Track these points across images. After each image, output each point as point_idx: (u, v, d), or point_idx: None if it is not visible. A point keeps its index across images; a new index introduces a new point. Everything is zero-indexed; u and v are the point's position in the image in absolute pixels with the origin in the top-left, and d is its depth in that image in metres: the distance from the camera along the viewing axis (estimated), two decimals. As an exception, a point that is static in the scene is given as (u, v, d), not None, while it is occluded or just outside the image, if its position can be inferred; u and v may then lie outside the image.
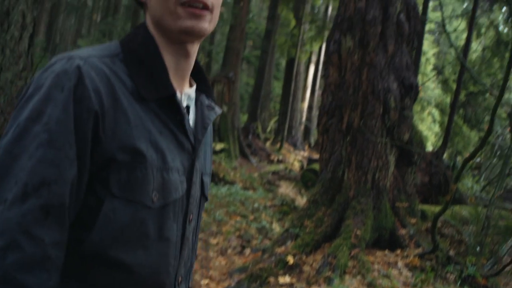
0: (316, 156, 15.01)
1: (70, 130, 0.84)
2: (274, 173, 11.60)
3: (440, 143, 11.86)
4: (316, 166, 9.89)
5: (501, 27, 14.85)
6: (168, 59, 1.01)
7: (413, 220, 5.32)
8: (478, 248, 4.89)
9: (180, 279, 1.06)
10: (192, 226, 1.08)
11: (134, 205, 0.91)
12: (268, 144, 16.57)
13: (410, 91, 5.18)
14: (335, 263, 4.23)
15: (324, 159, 5.42)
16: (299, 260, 4.48)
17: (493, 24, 13.51)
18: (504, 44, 13.25)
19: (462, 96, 16.36)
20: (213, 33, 21.30)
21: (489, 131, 3.58)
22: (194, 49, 1.04)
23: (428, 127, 21.01)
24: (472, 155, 3.98)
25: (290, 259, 4.41)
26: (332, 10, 20.78)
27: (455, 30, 18.11)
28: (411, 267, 4.57)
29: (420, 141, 5.93)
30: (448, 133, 9.20)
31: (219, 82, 11.94)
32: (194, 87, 1.12)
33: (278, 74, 25.29)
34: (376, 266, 4.50)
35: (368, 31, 5.08)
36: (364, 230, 4.73)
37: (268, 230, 6.30)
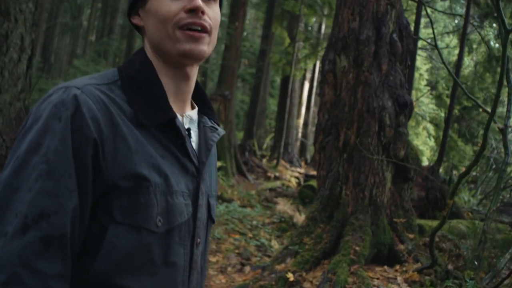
0: (312, 172, 15.06)
1: (69, 160, 0.84)
2: (271, 190, 11.64)
3: (435, 157, 11.94)
4: (313, 182, 9.95)
5: (492, 43, 15.07)
6: (168, 83, 1.01)
7: (411, 236, 5.37)
8: (476, 262, 4.93)
9: None
10: (200, 249, 1.07)
11: (138, 231, 0.90)
12: (264, 161, 16.63)
13: (405, 108, 5.27)
14: (335, 279, 4.27)
15: (321, 176, 5.49)
16: (299, 277, 4.51)
17: (484, 40, 13.70)
18: (495, 59, 13.43)
19: (456, 111, 16.50)
20: (208, 52, 21.40)
21: (483, 147, 3.66)
22: (193, 71, 1.05)
23: (423, 142, 21.13)
24: (467, 171, 4.06)
25: (290, 276, 4.44)
26: (326, 28, 21.03)
27: (447, 46, 18.34)
28: (410, 282, 4.60)
29: (415, 157, 6.01)
30: (443, 147, 9.27)
31: (215, 101, 12.03)
32: (196, 109, 1.12)
33: (273, 92, 25.44)
34: (375, 282, 4.53)
35: (362, 51, 5.19)
36: (363, 246, 4.78)
37: (267, 248, 6.33)
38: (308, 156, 21.65)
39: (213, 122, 1.16)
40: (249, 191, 10.79)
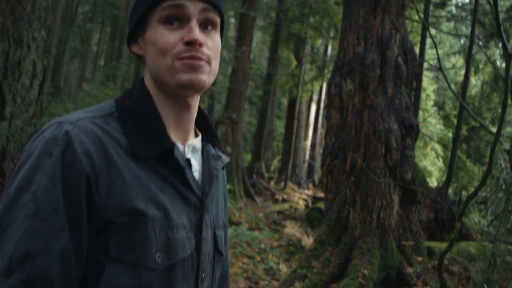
0: (320, 194, 15.02)
1: (58, 198, 0.81)
2: (279, 212, 11.60)
3: (444, 178, 11.87)
4: (321, 205, 9.92)
5: (498, 63, 15.11)
6: (168, 113, 0.99)
7: (420, 258, 5.34)
8: (486, 285, 4.89)
9: None
10: (206, 285, 1.02)
11: (136, 268, 0.86)
12: (272, 183, 16.61)
13: (411, 131, 5.30)
14: (344, 304, 4.25)
15: (329, 199, 5.50)
16: (308, 302, 4.49)
17: (490, 60, 13.75)
18: (502, 79, 13.46)
19: (464, 131, 16.47)
20: (215, 75, 21.61)
21: (489, 169, 3.67)
22: (194, 101, 1.02)
23: (432, 163, 21.04)
24: (474, 193, 4.05)
25: (299, 301, 4.43)
26: (332, 50, 21.20)
27: (453, 66, 18.41)
28: (420, 306, 4.57)
29: (422, 179, 6.01)
30: (451, 168, 9.23)
31: (222, 124, 12.10)
32: (200, 136, 1.09)
33: (280, 113, 25.56)
34: (384, 306, 4.50)
35: (368, 75, 5.26)
36: (371, 270, 4.76)
37: (276, 271, 6.30)
38: (316, 178, 21.61)
39: (217, 149, 1.12)
40: (257, 214, 10.77)
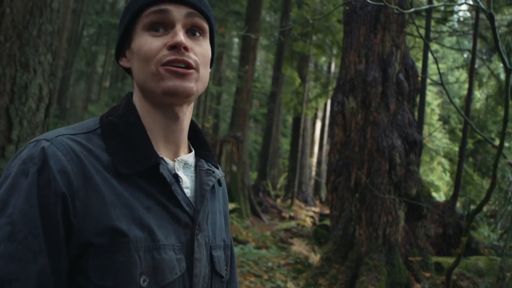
0: (327, 211, 14.96)
1: (35, 219, 0.77)
2: (286, 230, 11.57)
3: (452, 192, 11.81)
4: (328, 222, 9.89)
5: (501, 76, 15.13)
6: (157, 127, 0.95)
7: (428, 274, 5.31)
8: (495, 301, 4.84)
9: None
10: None
11: None
12: (279, 201, 16.58)
13: (414, 146, 5.32)
14: (352, 322, 4.23)
15: (334, 216, 5.50)
16: (315, 320, 4.47)
17: (493, 74, 13.78)
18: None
19: (470, 144, 16.42)
20: (219, 94, 21.82)
21: (493, 184, 3.66)
22: (183, 112, 0.97)
23: (439, 177, 20.96)
24: (479, 208, 4.03)
25: (306, 320, 4.41)
26: (335, 67, 21.32)
27: (457, 80, 18.44)
28: (429, 323, 4.53)
29: (427, 194, 6.00)
30: (458, 182, 9.19)
31: (228, 142, 12.16)
32: (193, 153, 1.04)
33: (285, 131, 25.61)
34: (393, 324, 4.47)
35: (370, 92, 5.30)
36: (378, 286, 4.74)
37: (283, 290, 6.27)
38: (323, 195, 21.55)
39: (210, 164, 1.06)
40: (264, 232, 10.75)
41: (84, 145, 0.85)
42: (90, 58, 23.10)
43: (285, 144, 24.52)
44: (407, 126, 5.31)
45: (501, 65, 14.75)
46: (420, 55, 14.09)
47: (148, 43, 0.91)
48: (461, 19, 18.66)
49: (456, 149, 18.74)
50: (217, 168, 1.08)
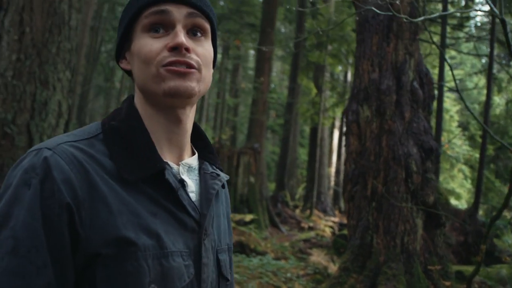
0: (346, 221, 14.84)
1: (38, 232, 0.75)
2: (305, 241, 11.52)
3: (473, 200, 11.66)
4: (347, 231, 9.84)
5: (521, 81, 14.93)
6: (159, 130, 0.93)
7: (448, 283, 5.25)
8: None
9: None
10: None
11: None
12: (297, 211, 16.54)
13: (431, 154, 5.29)
14: (371, 331, 4.20)
15: (351, 226, 5.49)
16: (334, 331, 4.45)
17: (512, 79, 13.60)
18: (525, 97, 13.29)
19: (491, 151, 16.20)
20: (236, 105, 21.95)
21: (511, 190, 3.64)
22: (186, 114, 0.95)
23: (460, 184, 20.69)
24: (497, 215, 4.00)
25: (325, 330, 4.40)
26: (351, 76, 21.29)
27: (476, 86, 18.25)
28: (450, 333, 4.48)
29: (445, 201, 5.95)
30: (479, 189, 9.07)
31: (245, 154, 12.21)
32: (196, 155, 1.02)
33: (303, 141, 25.59)
34: (413, 333, 4.43)
35: (384, 100, 5.31)
36: (397, 296, 4.71)
37: (302, 300, 6.25)
38: (342, 205, 21.42)
39: (214, 167, 1.04)
40: (282, 243, 10.73)
41: (86, 152, 0.83)
42: (108, 74, 23.45)
43: (302, 154, 24.49)
44: (423, 133, 5.29)
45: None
46: (437, 62, 14.01)
47: (148, 44, 0.89)
48: (478, 24, 18.52)
49: (477, 155, 18.49)
50: (221, 170, 1.07)
